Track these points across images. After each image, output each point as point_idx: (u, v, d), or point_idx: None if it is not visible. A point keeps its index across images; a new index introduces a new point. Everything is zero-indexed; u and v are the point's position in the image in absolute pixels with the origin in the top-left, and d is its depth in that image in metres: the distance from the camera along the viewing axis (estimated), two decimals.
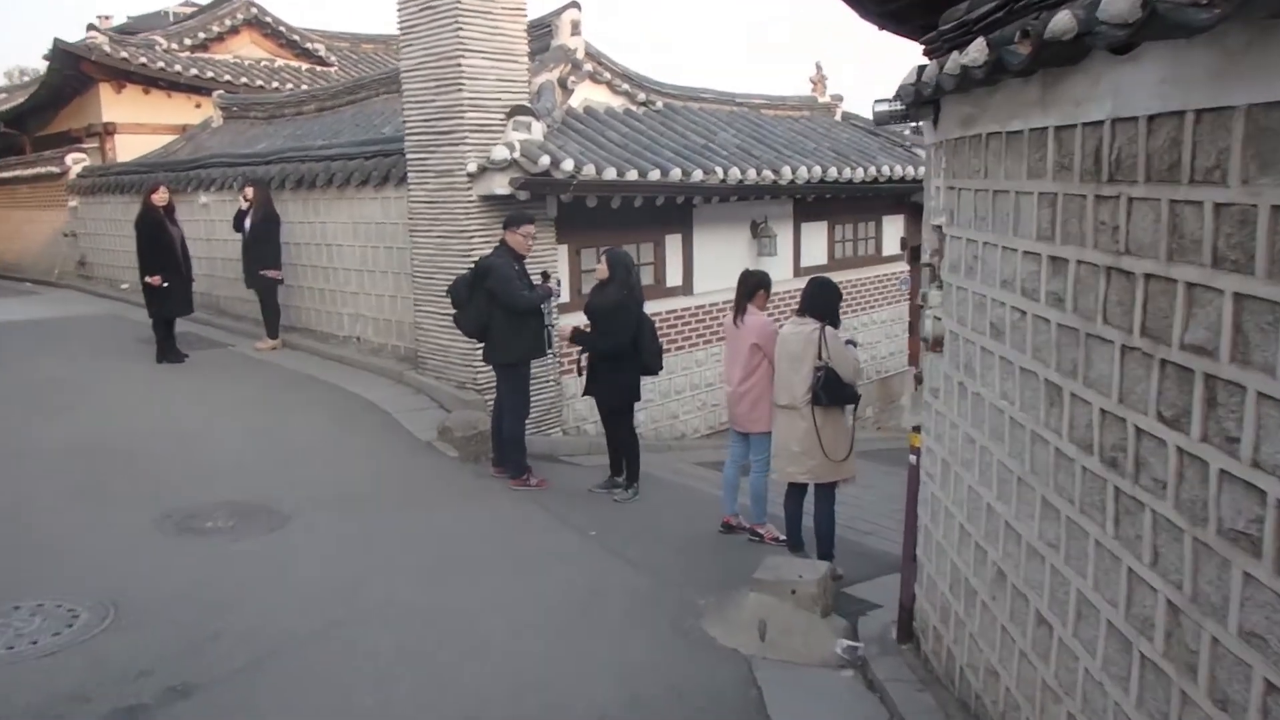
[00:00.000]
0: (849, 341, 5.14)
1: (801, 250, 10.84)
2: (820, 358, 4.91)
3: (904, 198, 12.05)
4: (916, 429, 3.62)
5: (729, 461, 5.90)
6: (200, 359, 9.02)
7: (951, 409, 3.07)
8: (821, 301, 5.09)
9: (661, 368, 6.50)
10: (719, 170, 8.76)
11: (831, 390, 4.89)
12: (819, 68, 12.61)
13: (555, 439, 8.22)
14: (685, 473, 7.95)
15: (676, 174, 8.29)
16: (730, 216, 9.82)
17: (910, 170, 11.17)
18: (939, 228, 3.22)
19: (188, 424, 6.99)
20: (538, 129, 7.59)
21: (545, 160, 7.21)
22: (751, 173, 9.07)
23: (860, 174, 10.38)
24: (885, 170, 10.75)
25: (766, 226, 10.02)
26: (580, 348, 6.46)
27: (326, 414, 7.36)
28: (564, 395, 8.35)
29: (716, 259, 9.73)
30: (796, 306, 5.36)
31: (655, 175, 8.11)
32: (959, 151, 2.86)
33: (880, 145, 12.05)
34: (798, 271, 10.81)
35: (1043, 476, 2.33)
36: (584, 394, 6.58)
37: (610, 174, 7.71)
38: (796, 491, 5.26)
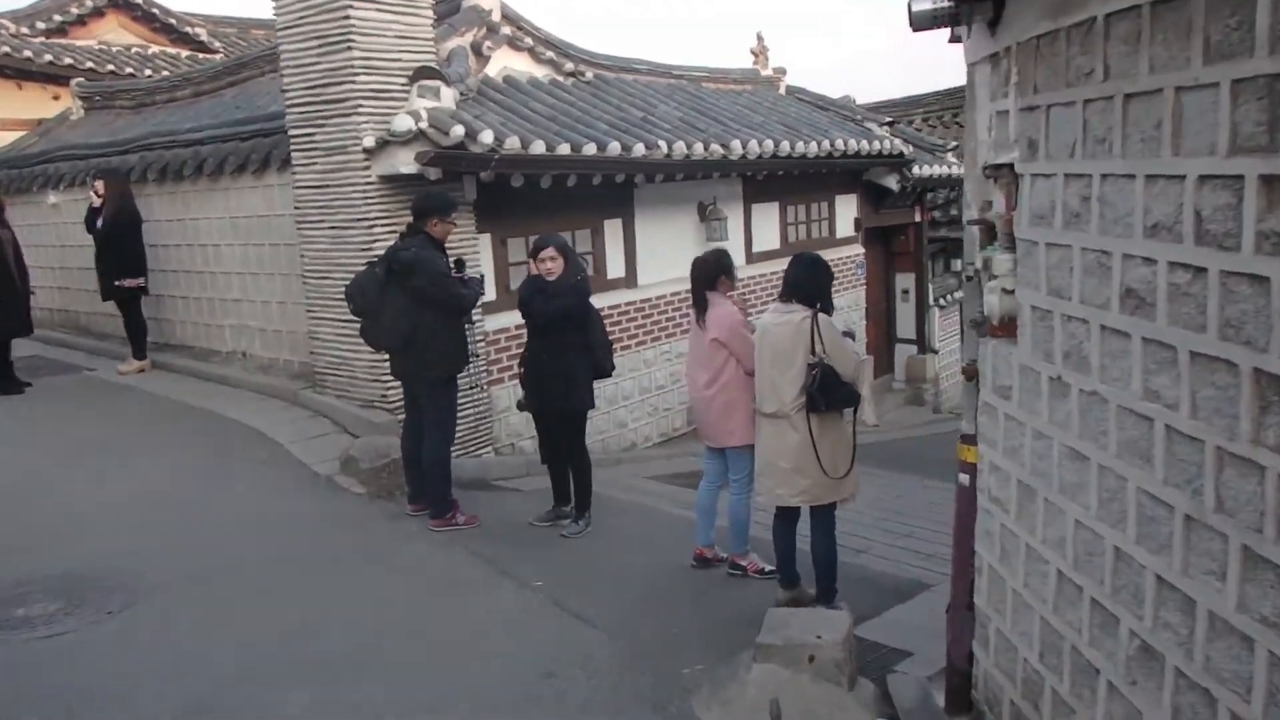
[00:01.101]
0: (846, 332, 4.34)
1: (753, 234, 10.08)
2: (813, 352, 4.08)
3: (858, 176, 11.44)
4: (969, 439, 2.83)
5: (704, 483, 5.04)
6: (47, 388, 7.74)
7: (1037, 414, 2.29)
8: (810, 283, 4.24)
9: (614, 366, 5.63)
10: (663, 145, 7.90)
11: (829, 392, 4.06)
12: (760, 38, 11.89)
13: (487, 460, 7.26)
14: (641, 490, 7.08)
15: (615, 148, 7.41)
16: (675, 198, 8.99)
17: (865, 145, 10.52)
18: (1002, 168, 2.43)
19: (13, 474, 5.79)
20: (448, 95, 6.62)
21: (459, 131, 6.25)
22: (699, 147, 8.24)
23: (814, 149, 9.66)
24: (840, 145, 10.06)
25: (715, 208, 9.22)
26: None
27: (202, 450, 6.24)
28: (495, 408, 7.40)
29: (662, 246, 8.89)
30: (778, 291, 4.54)
31: (591, 150, 7.22)
32: (1047, 52, 2.07)
33: (831, 120, 11.39)
34: (750, 257, 10.04)
35: (1244, 518, 1.56)
36: (523, 406, 5.66)
37: (538, 148, 6.79)
38: (787, 516, 4.43)
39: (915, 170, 11.46)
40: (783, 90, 12.04)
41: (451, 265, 5.40)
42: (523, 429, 7.54)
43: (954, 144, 12.89)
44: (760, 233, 10.17)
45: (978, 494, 2.76)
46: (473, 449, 7.11)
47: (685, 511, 6.34)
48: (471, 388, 5.91)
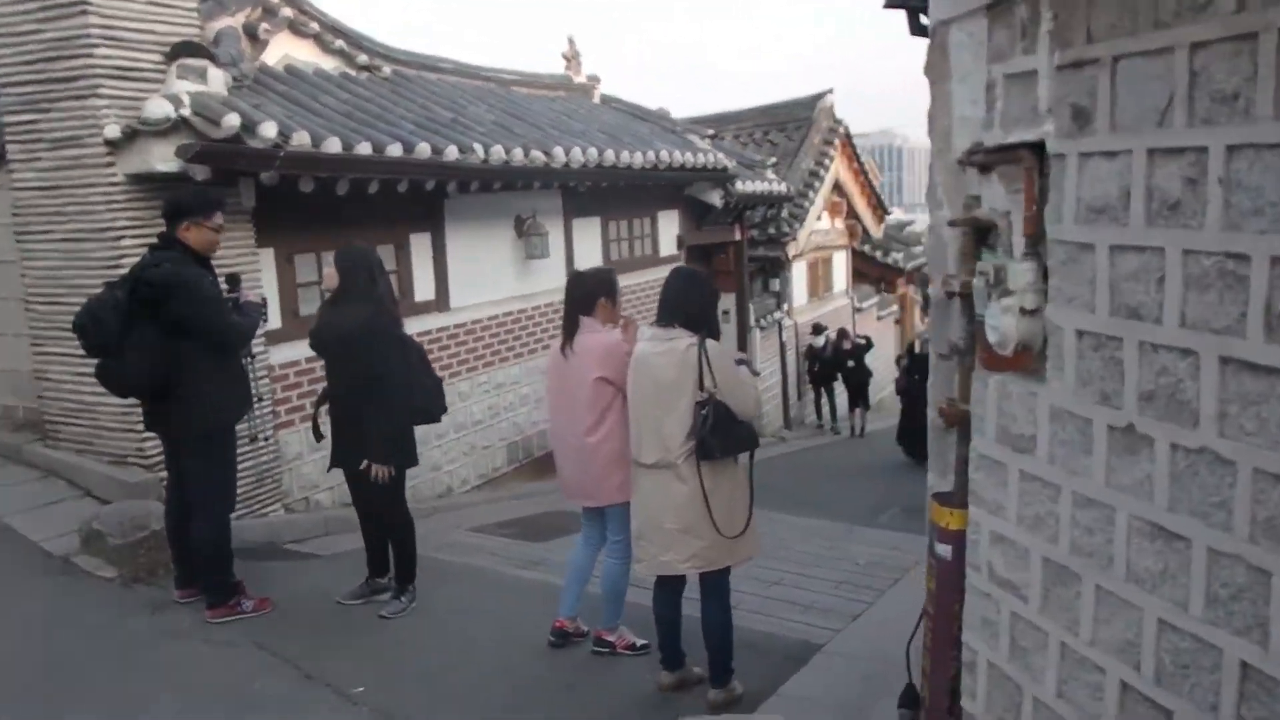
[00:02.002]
0: (739, 360, 3.73)
1: (575, 251, 9.41)
2: (702, 387, 3.44)
3: (680, 190, 11.08)
4: (947, 499, 2.25)
5: (581, 544, 4.25)
6: None
7: (1085, 475, 1.72)
8: (693, 302, 3.57)
9: (445, 410, 4.73)
10: (478, 149, 7.09)
11: (724, 434, 3.41)
12: (571, 43, 11.31)
13: (275, 520, 6.11)
14: (468, 547, 6.17)
15: (425, 150, 6.52)
16: (490, 211, 8.16)
17: (690, 157, 10.16)
18: (1013, 150, 1.88)
19: None
20: (218, 79, 5.50)
21: (233, 121, 5.16)
22: (518, 153, 7.48)
23: (640, 159, 9.16)
24: (665, 156, 9.62)
25: (535, 223, 8.47)
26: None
27: None
28: (284, 456, 6.25)
29: (476, 265, 8.04)
30: (653, 315, 3.86)
31: (396, 151, 6.29)
32: None
33: (651, 130, 10.98)
34: None
35: None
36: (331, 465, 4.62)
37: (333, 146, 5.79)
38: (671, 584, 3.73)
39: (739, 186, 11.25)
40: (597, 99, 11.54)
41: (222, 286, 4.33)
42: (318, 479, 6.44)
43: (773, 160, 12.88)
44: (582, 250, 9.52)
45: (968, 571, 2.19)
46: (257, 507, 5.95)
47: (526, 572, 5.55)
48: (253, 439, 4.81)
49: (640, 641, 4.12)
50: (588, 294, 4.00)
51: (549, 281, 8.99)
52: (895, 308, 20.91)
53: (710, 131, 11.87)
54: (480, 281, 8.08)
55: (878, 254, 20.01)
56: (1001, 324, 1.95)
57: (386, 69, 8.20)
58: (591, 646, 4.16)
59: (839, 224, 16.84)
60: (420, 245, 7.46)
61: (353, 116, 6.63)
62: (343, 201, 6.28)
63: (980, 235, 2.17)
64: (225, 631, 4.14)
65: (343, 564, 5.28)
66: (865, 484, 10.03)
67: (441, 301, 7.73)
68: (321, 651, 4.03)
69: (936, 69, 2.29)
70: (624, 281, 9.90)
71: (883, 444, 12.95)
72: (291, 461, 6.34)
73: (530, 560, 5.86)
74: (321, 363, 4.69)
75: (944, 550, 2.28)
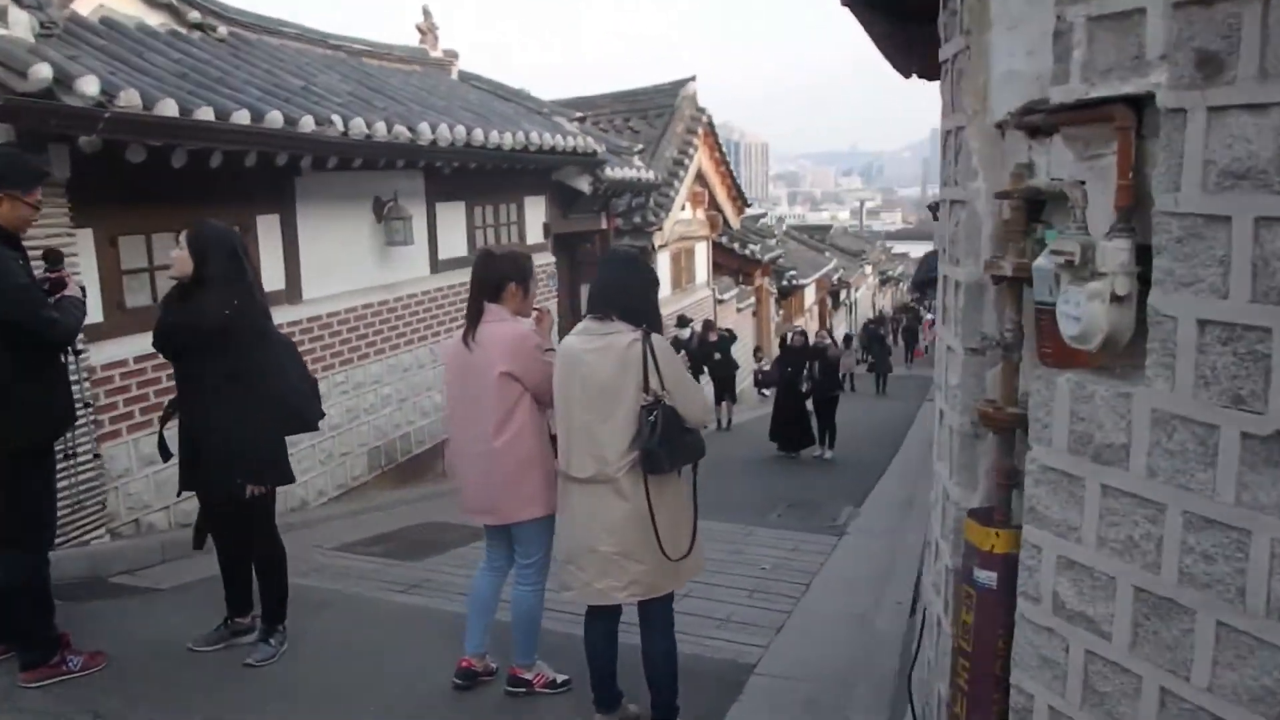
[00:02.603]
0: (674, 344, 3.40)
1: (438, 238, 8.79)
2: (647, 389, 3.04)
3: (547, 176, 10.61)
4: (986, 517, 1.95)
5: (484, 569, 3.72)
6: None
7: (1204, 491, 1.45)
8: (633, 291, 3.18)
9: (322, 414, 4.10)
10: (337, 120, 6.40)
11: (674, 444, 3.02)
12: (427, 14, 10.60)
13: (99, 549, 5.28)
14: (337, 571, 5.52)
15: (277, 119, 5.80)
16: (347, 192, 7.45)
17: (560, 140, 9.70)
18: (1100, 107, 1.59)
19: None
20: (21, 22, 4.65)
21: (44, 73, 4.35)
22: (381, 127, 6.84)
23: (509, 140, 8.64)
24: (535, 138, 9.13)
25: (397, 206, 7.81)
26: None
27: None
28: (110, 472, 5.41)
29: (332, 251, 7.32)
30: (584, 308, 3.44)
31: (243, 118, 5.56)
32: None
33: (517, 111, 10.45)
34: (436, 267, 8.76)
35: None
36: (182, 488, 3.91)
37: (169, 109, 5.02)
38: (606, 615, 3.31)
39: (608, 172, 10.89)
40: (455, 75, 10.89)
41: (42, 257, 3.59)
42: (150, 497, 5.63)
43: (639, 147, 12.59)
44: (446, 237, 8.92)
45: (1021, 602, 1.90)
46: (75, 535, 5.11)
47: (408, 597, 5.01)
48: (68, 456, 3.99)
49: (561, 677, 3.69)
50: (496, 277, 3.50)
51: (412, 270, 8.37)
52: (753, 300, 21.17)
53: (579, 114, 11.45)
54: (336, 270, 7.36)
55: (735, 245, 20.17)
56: (1087, 313, 1.66)
57: (222, 29, 7.33)
58: (505, 686, 3.67)
59: (700, 214, 16.79)
60: (268, 229, 6.68)
61: (188, 79, 5.82)
62: (178, 176, 5.48)
63: (1033, 209, 1.88)
64: (47, 698, 3.41)
65: (190, 599, 4.57)
66: (747, 480, 9.91)
67: (292, 292, 6.98)
68: (176, 716, 3.38)
69: (975, 16, 1.98)
70: None
71: (752, 437, 12.95)
72: (118, 479, 5.49)
73: (410, 583, 5.29)
74: (160, 364, 3.98)
75: (986, 578, 1.98)
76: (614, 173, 11.16)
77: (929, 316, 40.04)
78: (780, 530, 7.22)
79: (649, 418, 3.00)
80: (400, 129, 7.07)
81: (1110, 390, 1.69)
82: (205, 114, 5.26)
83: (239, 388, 3.61)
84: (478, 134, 8.09)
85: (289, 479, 3.93)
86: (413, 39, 10.78)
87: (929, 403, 20.93)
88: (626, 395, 3.03)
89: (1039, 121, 1.82)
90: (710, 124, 15.97)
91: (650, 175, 12.30)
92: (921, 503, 8.37)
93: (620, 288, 3.18)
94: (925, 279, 13.84)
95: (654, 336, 3.08)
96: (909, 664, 2.43)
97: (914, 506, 8.24)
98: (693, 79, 15.54)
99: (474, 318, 3.48)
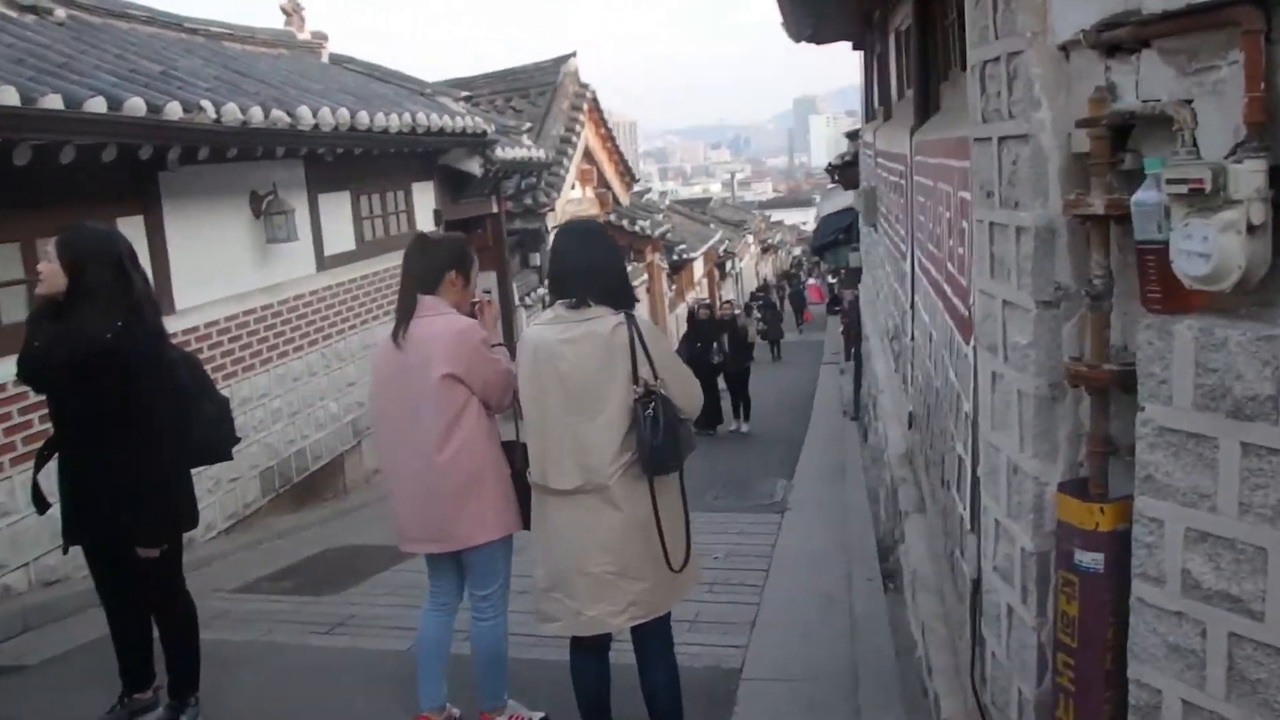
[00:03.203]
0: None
1: (323, 231, 8.18)
2: (637, 379, 2.68)
3: (434, 159, 10.07)
4: (1081, 490, 1.74)
5: (429, 609, 3.27)
6: None
7: None
8: (609, 267, 2.86)
9: (237, 440, 3.60)
10: (208, 106, 5.77)
11: (672, 440, 2.69)
12: None
13: None
14: (240, 616, 4.94)
15: (139, 106, 5.16)
16: (219, 187, 6.79)
17: (448, 121, 9.19)
18: (1245, 4, 1.39)
19: None
20: None
21: None
22: (257, 112, 6.22)
23: (396, 122, 8.09)
24: (422, 120, 8.60)
25: (278, 199, 7.19)
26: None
27: None
28: None
29: (206, 253, 6.66)
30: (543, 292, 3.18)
31: (98, 106, 4.90)
32: None
33: (397, 93, 9.86)
34: (322, 264, 8.16)
35: None
36: (67, 543, 3.33)
37: (7, 96, 4.36)
38: (596, 645, 2.92)
39: (499, 152, 10.42)
40: (325, 58, 10.19)
41: None
42: (6, 554, 4.93)
43: (527, 126, 12.14)
44: (332, 231, 8.30)
45: (1137, 585, 1.69)
46: None
47: (333, 639, 4.57)
48: None
49: (536, 715, 3.33)
50: (431, 265, 3.08)
51: (297, 268, 7.75)
52: (645, 276, 21.00)
53: (465, 93, 10.92)
54: (212, 274, 6.70)
55: (625, 223, 19.93)
56: (1219, 247, 1.43)
57: (60, 12, 6.53)
58: None
59: (590, 193, 16.46)
60: (131, 232, 5.89)
61: (25, 64, 5.10)
62: (22, 173, 4.80)
63: (1118, 136, 1.66)
64: None
65: (69, 675, 3.97)
66: None
67: (163, 302, 6.27)
68: None
69: None
70: (383, 266, 8.95)
71: None
72: None
73: (333, 622, 4.77)
74: (33, 396, 3.41)
75: (1090, 560, 1.75)
76: (505, 153, 10.70)
77: (811, 281, 40.94)
78: (721, 514, 7.03)
79: (646, 412, 2.66)
80: (278, 114, 6.46)
81: (1249, 334, 1.47)
82: (53, 102, 4.59)
83: (130, 423, 3.06)
84: (362, 117, 7.53)
85: (193, 523, 3.37)
86: (276, 21, 10.03)
87: (826, 366, 21.37)
88: (615, 389, 2.68)
89: (1124, 37, 1.60)
90: (595, 100, 15.61)
91: (541, 154, 11.88)
92: (853, 470, 8.37)
93: (590, 265, 2.80)
94: (825, 243, 13.89)
95: (638, 318, 2.77)
96: (965, 662, 2.21)
97: (846, 474, 8.20)
98: (573, 55, 15.13)
99: (406, 313, 3.04)
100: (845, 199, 16.62)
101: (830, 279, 39.65)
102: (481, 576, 3.16)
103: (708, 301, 13.19)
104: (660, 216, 22.77)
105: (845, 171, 10.54)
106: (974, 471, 2.46)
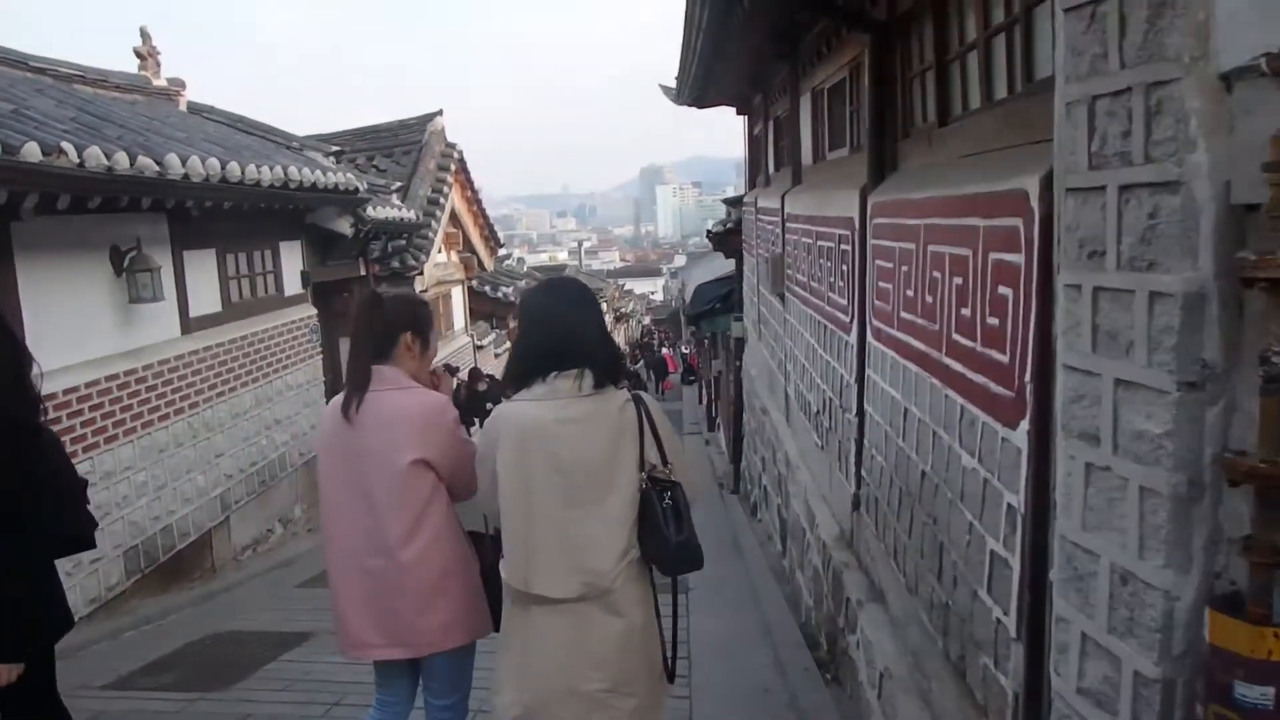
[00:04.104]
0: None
1: (188, 291, 7.60)
2: (641, 466, 2.37)
3: (302, 217, 9.61)
4: (1235, 607, 1.47)
5: (374, 718, 2.91)
6: None
7: None
8: (600, 332, 2.49)
9: (97, 524, 3.06)
10: (69, 149, 5.27)
11: (694, 532, 2.42)
12: (146, 36, 9.30)
13: None
14: (119, 718, 4.39)
15: None
16: (76, 241, 6.20)
17: (321, 176, 8.80)
18: None
19: None
20: None
21: None
22: (122, 158, 5.73)
23: (268, 175, 7.67)
24: (295, 174, 8.20)
25: (141, 255, 6.63)
26: None
27: None
28: None
29: (64, 314, 6.06)
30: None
31: None
32: None
33: (263, 145, 9.39)
34: (187, 326, 7.57)
35: None
36: None
37: None
38: None
39: (371, 212, 10.06)
40: (183, 106, 9.63)
41: None
42: None
43: (397, 185, 11.80)
44: (197, 291, 7.74)
45: None
46: None
47: None
48: None
49: None
50: (387, 328, 2.73)
51: (160, 331, 7.17)
52: (508, 344, 20.73)
53: (335, 148, 10.53)
54: (70, 337, 6.08)
55: (487, 289, 19.69)
56: None
57: None
58: None
59: (455, 257, 16.15)
60: None
61: None
62: None
63: None
64: None
65: None
66: None
67: None
68: None
69: None
70: (250, 329, 8.40)
71: None
72: None
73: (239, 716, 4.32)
74: None
75: (1258, 695, 1.48)
76: (376, 212, 10.35)
77: (665, 351, 41.48)
78: None
79: (664, 503, 2.35)
80: (145, 160, 5.98)
81: None
82: None
83: None
84: (233, 168, 7.09)
85: (67, 624, 2.81)
86: (128, 66, 9.40)
87: (689, 436, 21.52)
88: (621, 477, 2.34)
89: None
90: (462, 160, 15.43)
91: (411, 215, 11.58)
92: (749, 547, 8.20)
93: (584, 330, 2.41)
94: (701, 311, 14.10)
95: (645, 397, 2.46)
96: None
97: (742, 551, 8.02)
98: (439, 113, 14.95)
99: (359, 384, 2.68)
100: (719, 267, 17.00)
101: (684, 349, 40.34)
102: (443, 683, 2.83)
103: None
104: (523, 283, 22.63)
105: (727, 239, 10.74)
106: (1030, 573, 2.18)
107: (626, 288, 60.76)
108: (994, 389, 2.09)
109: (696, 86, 8.18)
